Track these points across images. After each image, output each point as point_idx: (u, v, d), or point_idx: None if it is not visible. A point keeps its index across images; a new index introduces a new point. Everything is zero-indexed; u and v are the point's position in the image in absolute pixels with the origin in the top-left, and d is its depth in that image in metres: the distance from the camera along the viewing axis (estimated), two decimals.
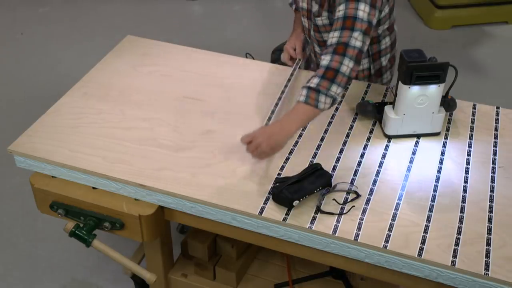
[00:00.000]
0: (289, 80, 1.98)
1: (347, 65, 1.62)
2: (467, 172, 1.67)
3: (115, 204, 1.66)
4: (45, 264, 2.40)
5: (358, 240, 1.46)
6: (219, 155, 1.71)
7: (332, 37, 1.65)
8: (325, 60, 1.63)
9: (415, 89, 1.68)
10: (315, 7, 1.90)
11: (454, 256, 1.42)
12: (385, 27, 1.93)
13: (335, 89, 1.61)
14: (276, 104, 1.85)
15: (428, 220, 1.51)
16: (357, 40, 1.63)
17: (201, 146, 1.75)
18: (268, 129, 1.62)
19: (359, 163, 1.69)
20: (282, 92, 1.92)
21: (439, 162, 1.70)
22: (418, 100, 1.70)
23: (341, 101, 1.93)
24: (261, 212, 1.54)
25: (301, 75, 2.05)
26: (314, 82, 1.61)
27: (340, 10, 1.67)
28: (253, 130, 1.62)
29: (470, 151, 1.74)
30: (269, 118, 1.79)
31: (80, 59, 3.60)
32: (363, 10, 1.65)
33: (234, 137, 1.77)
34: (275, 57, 2.58)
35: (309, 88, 1.61)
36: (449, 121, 1.85)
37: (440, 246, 1.45)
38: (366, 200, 1.57)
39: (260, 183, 1.62)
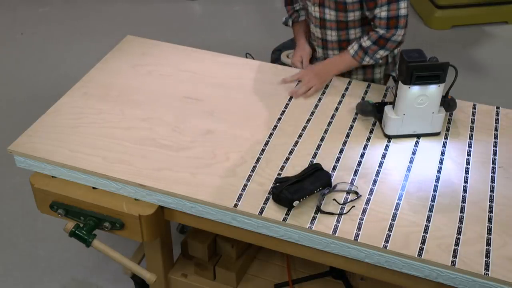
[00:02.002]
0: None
1: (399, 34, 1.89)
2: (467, 172, 1.67)
3: (115, 204, 1.66)
4: (45, 264, 2.40)
5: (358, 240, 1.46)
6: (219, 155, 1.71)
7: (380, 12, 1.86)
8: (381, 31, 1.88)
9: (415, 89, 1.67)
10: (330, 14, 1.95)
11: (454, 256, 1.42)
12: None
13: (382, 53, 1.92)
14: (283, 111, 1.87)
15: (428, 220, 1.51)
16: (404, 9, 1.85)
17: (201, 146, 1.75)
18: (314, 68, 1.97)
19: (359, 163, 1.69)
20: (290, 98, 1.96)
21: (439, 162, 1.70)
22: (418, 100, 1.70)
23: (341, 101, 1.93)
24: (261, 212, 1.54)
25: None
26: (367, 43, 1.91)
27: None
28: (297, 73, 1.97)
29: (470, 151, 1.74)
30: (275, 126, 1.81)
31: (80, 59, 3.60)
32: None
33: (234, 137, 1.77)
34: (275, 57, 2.58)
35: (360, 46, 1.92)
36: (449, 121, 1.85)
37: (440, 246, 1.45)
38: (366, 200, 1.57)
39: (260, 183, 1.62)
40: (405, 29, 1.90)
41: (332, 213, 1.53)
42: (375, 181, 1.63)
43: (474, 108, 1.91)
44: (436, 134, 1.79)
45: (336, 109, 1.90)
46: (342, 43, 2.03)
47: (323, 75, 1.95)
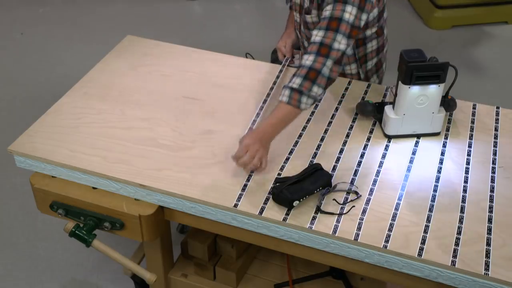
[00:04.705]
0: (277, 77, 2.00)
1: (328, 67, 1.62)
2: (467, 172, 1.67)
3: (115, 204, 1.66)
4: (45, 264, 2.40)
5: (358, 240, 1.46)
6: (219, 155, 1.71)
7: (316, 36, 1.65)
8: (308, 60, 1.63)
9: (415, 89, 1.68)
10: (306, 3, 1.90)
11: (454, 256, 1.42)
12: (373, 30, 1.91)
13: (316, 90, 1.62)
14: (262, 107, 1.88)
15: (428, 220, 1.51)
16: (340, 43, 1.63)
17: (201, 146, 1.75)
18: (255, 134, 1.63)
19: (359, 163, 1.69)
20: (271, 89, 1.95)
21: (439, 162, 1.70)
22: (418, 100, 1.70)
23: (341, 101, 1.93)
24: (261, 212, 1.54)
25: (289, 73, 2.04)
26: (297, 82, 1.61)
27: (327, 10, 1.66)
28: (240, 142, 1.62)
29: (470, 151, 1.74)
30: (254, 121, 1.82)
31: (80, 59, 3.60)
32: (349, 13, 1.64)
33: (234, 137, 1.77)
34: (275, 57, 2.58)
35: (292, 88, 1.61)
36: (449, 121, 1.85)
37: (440, 246, 1.45)
38: (366, 200, 1.57)
39: (260, 183, 1.62)
40: (337, 66, 1.63)
41: (332, 213, 1.53)
42: (375, 181, 1.63)
43: (474, 108, 1.91)
44: (436, 134, 1.79)
45: (336, 109, 1.90)
46: None
47: (266, 141, 1.64)
